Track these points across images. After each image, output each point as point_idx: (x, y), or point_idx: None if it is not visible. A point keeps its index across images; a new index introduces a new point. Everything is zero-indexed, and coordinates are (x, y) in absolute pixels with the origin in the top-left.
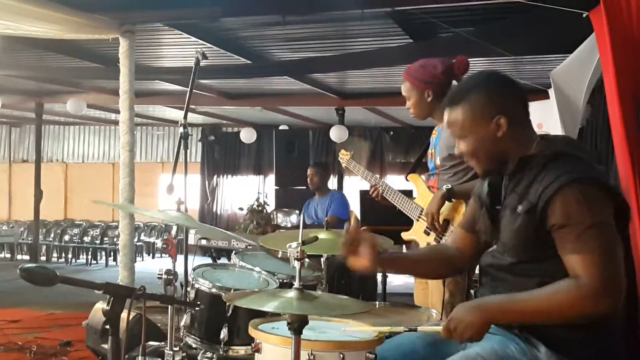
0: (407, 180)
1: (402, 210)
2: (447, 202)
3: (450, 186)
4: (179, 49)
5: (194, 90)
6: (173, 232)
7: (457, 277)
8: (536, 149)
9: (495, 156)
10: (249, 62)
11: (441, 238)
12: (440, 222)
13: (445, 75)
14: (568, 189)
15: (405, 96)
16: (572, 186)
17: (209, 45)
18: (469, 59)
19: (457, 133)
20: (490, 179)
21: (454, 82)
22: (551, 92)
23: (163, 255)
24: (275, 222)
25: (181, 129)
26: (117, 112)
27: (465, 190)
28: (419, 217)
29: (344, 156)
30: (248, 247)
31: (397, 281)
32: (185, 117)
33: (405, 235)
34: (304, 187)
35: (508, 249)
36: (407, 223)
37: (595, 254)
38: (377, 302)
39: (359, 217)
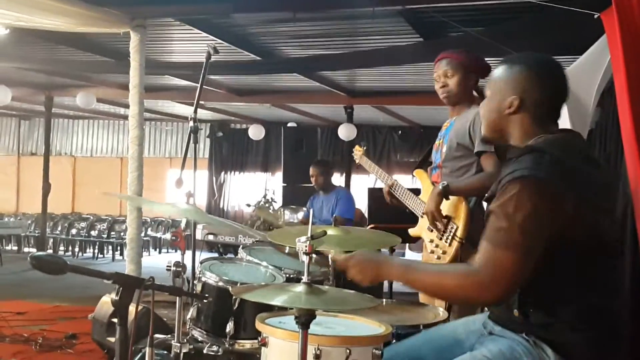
0: (413, 175)
1: (409, 207)
2: (445, 200)
3: (446, 183)
4: (189, 45)
5: (203, 87)
6: (182, 224)
7: None
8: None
9: (495, 128)
10: (258, 58)
11: (443, 234)
12: (442, 218)
13: (485, 70)
14: (513, 182)
15: (448, 73)
16: (517, 181)
17: (220, 41)
18: None
19: (486, 91)
20: None
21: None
22: None
23: (170, 250)
24: (282, 219)
25: (191, 123)
26: (126, 106)
27: (462, 187)
28: (423, 213)
29: (357, 152)
30: (255, 242)
31: None
32: (195, 110)
33: (412, 232)
34: (312, 185)
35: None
36: (415, 221)
37: (496, 248)
38: (384, 299)
39: (366, 215)
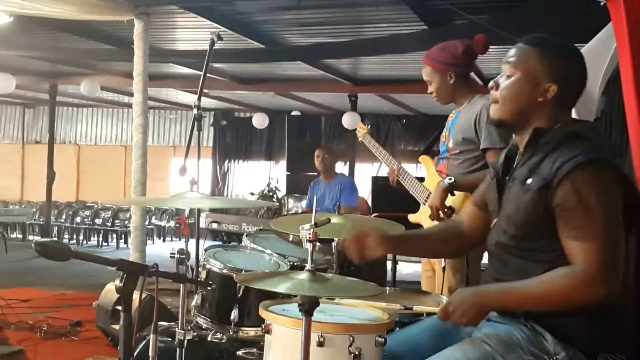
0: (419, 161)
1: (411, 193)
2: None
3: (453, 179)
4: (193, 32)
5: (207, 75)
6: (186, 212)
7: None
8: (556, 126)
9: (520, 112)
10: (262, 46)
11: None
12: (445, 210)
13: (466, 55)
14: (582, 169)
15: (427, 81)
16: (587, 167)
17: (223, 28)
18: None
19: (508, 70)
20: (510, 149)
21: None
22: None
23: (174, 238)
24: (286, 208)
25: (195, 111)
26: (130, 94)
27: (469, 182)
28: (426, 200)
29: (361, 130)
30: (259, 230)
31: (406, 269)
32: (199, 98)
33: (412, 218)
34: (315, 173)
35: (513, 222)
36: (418, 209)
37: (596, 241)
38: (387, 288)
39: (369, 203)
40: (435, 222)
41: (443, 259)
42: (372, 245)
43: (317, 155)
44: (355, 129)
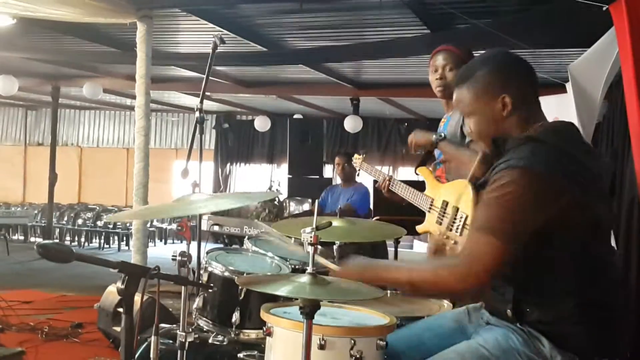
0: (416, 173)
1: (412, 203)
2: (451, 183)
3: (444, 135)
4: (195, 35)
5: (209, 78)
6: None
7: None
8: (531, 126)
9: (498, 133)
10: (265, 49)
11: (453, 224)
12: (448, 207)
13: None
14: (506, 170)
15: (446, 66)
16: (510, 170)
17: (226, 31)
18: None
19: (465, 111)
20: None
21: None
22: (569, 86)
23: (175, 240)
24: (287, 211)
25: (197, 113)
26: (133, 97)
27: (456, 151)
28: (430, 207)
29: (357, 160)
30: (261, 232)
31: None
32: (201, 100)
33: (419, 229)
34: (317, 176)
35: None
36: (420, 213)
37: (480, 234)
38: (388, 291)
39: (371, 207)
40: (443, 226)
41: None
42: None
43: (337, 162)
44: (354, 155)
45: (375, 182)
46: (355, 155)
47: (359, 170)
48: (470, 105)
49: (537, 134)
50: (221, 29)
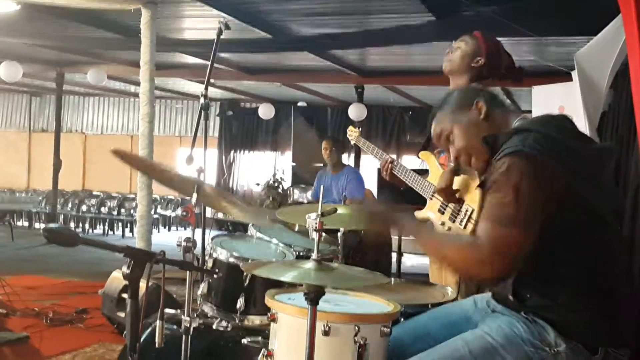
0: (418, 157)
1: (414, 188)
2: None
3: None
4: (200, 22)
5: (214, 64)
6: (193, 200)
7: None
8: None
9: (486, 140)
10: (269, 36)
11: (456, 216)
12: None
13: (498, 64)
14: (503, 159)
15: (457, 47)
16: (507, 157)
17: (230, 18)
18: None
19: (446, 131)
20: None
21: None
22: (574, 74)
23: (179, 227)
24: (292, 198)
25: (202, 100)
26: (137, 84)
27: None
28: (433, 195)
29: (352, 133)
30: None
31: (410, 261)
32: (206, 87)
33: (418, 214)
34: (321, 164)
35: None
36: (424, 202)
37: (496, 223)
38: (392, 279)
39: (375, 194)
40: (446, 215)
41: None
42: None
43: (324, 147)
44: (349, 127)
45: (379, 170)
46: (350, 128)
47: (354, 144)
48: (450, 123)
49: (526, 125)
50: (226, 16)
